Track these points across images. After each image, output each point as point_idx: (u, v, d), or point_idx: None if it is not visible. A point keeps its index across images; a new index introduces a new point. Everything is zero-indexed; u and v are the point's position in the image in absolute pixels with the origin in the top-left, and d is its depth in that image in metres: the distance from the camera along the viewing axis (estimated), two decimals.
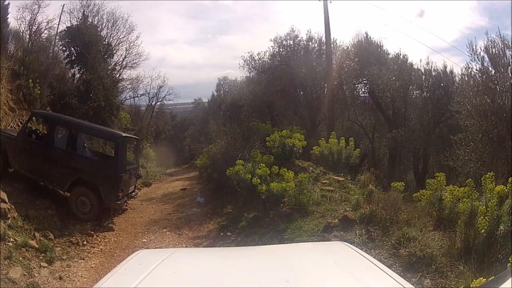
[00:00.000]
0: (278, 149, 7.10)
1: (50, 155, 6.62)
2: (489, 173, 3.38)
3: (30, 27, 9.96)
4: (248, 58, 11.86)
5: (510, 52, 5.94)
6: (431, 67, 9.06)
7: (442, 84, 8.82)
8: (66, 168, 6.56)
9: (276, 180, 5.78)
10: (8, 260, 4.31)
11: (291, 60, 10.99)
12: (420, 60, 9.45)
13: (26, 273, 4.29)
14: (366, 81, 10.18)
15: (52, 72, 9.47)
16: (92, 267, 4.94)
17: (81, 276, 4.63)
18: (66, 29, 11.39)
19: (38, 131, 7.23)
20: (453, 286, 2.92)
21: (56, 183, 6.78)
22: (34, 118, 7.61)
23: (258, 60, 11.79)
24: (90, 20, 12.31)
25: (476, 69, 6.40)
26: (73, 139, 6.96)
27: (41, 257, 4.72)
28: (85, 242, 5.64)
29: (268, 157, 6.82)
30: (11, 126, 7.70)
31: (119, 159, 6.72)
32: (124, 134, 7.38)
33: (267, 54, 11.58)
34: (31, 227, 5.32)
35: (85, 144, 7.78)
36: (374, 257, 2.06)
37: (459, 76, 7.91)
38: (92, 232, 6.07)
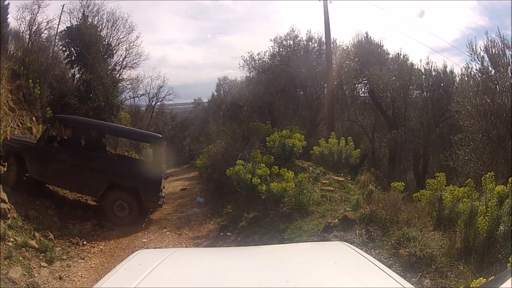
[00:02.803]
0: (278, 149, 7.10)
1: (79, 161, 6.34)
2: (489, 173, 3.38)
3: (30, 27, 9.96)
4: (248, 58, 11.86)
5: (510, 52, 5.95)
6: (431, 67, 9.07)
7: (442, 84, 8.82)
8: (99, 173, 6.31)
9: (276, 180, 5.78)
10: (8, 260, 4.31)
11: (291, 60, 10.98)
12: (420, 60, 9.46)
13: (26, 273, 4.29)
14: (366, 81, 10.17)
15: (52, 72, 9.47)
16: (92, 267, 4.94)
17: (81, 276, 4.63)
18: (66, 29, 11.40)
19: (59, 137, 6.97)
20: (453, 286, 2.92)
21: (87, 190, 6.59)
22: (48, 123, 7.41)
23: (258, 60, 11.79)
24: (90, 20, 12.31)
25: (476, 69, 6.41)
26: (102, 142, 6.85)
27: (41, 257, 4.72)
28: (85, 242, 5.63)
29: (268, 157, 6.82)
30: (11, 126, 7.69)
31: (159, 160, 6.65)
32: (161, 135, 7.29)
33: (267, 54, 11.59)
34: (31, 227, 5.31)
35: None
36: (374, 257, 2.06)
37: (459, 76, 7.92)
38: (92, 232, 6.07)
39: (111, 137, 8.54)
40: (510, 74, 5.86)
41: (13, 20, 9.72)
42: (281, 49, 11.40)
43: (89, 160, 6.44)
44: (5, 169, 6.56)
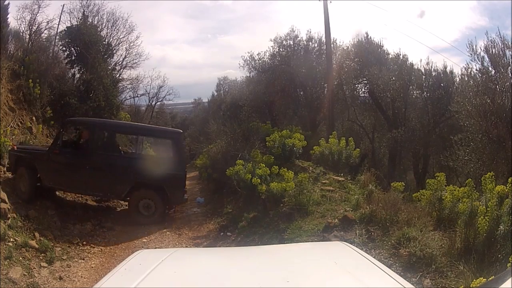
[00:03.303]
0: (278, 149, 7.10)
1: (100, 164, 6.22)
2: (489, 173, 3.38)
3: (30, 27, 9.96)
4: (248, 58, 11.87)
5: (510, 52, 5.94)
6: (431, 67, 9.06)
7: (442, 84, 8.81)
8: (122, 174, 6.21)
9: (276, 180, 5.78)
10: (8, 260, 4.31)
11: (291, 60, 10.98)
12: (420, 60, 9.44)
13: (26, 273, 4.29)
14: (366, 81, 10.17)
15: (52, 72, 9.47)
16: (92, 267, 4.94)
17: (81, 276, 4.63)
18: (66, 29, 11.38)
19: (71, 141, 6.80)
20: (453, 286, 2.92)
21: (110, 193, 6.50)
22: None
23: (258, 60, 11.80)
24: (90, 20, 12.29)
25: (476, 69, 6.41)
26: (117, 142, 6.77)
27: (41, 257, 4.72)
28: (85, 242, 5.63)
29: (268, 157, 6.82)
30: (11, 126, 7.68)
31: (181, 156, 6.61)
32: (181, 131, 7.27)
33: (267, 54, 11.59)
34: (31, 227, 5.32)
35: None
36: (374, 257, 2.06)
37: (459, 76, 7.93)
38: (92, 232, 6.07)
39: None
40: (510, 74, 5.86)
41: (13, 20, 9.72)
42: (281, 49, 11.40)
43: (110, 161, 6.31)
44: (12, 176, 6.34)
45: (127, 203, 7.81)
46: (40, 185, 6.27)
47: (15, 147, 6.53)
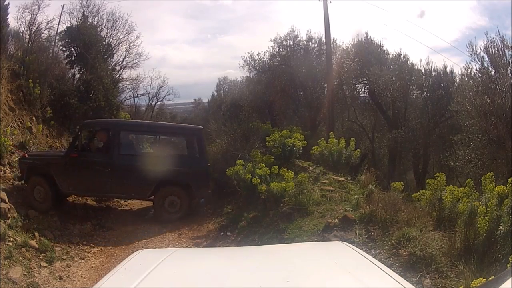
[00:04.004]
0: (278, 149, 7.10)
1: (122, 165, 6.16)
2: (489, 173, 3.38)
3: (30, 27, 9.94)
4: (248, 58, 11.85)
5: (510, 52, 5.94)
6: (431, 67, 9.05)
7: (442, 84, 8.81)
8: (146, 173, 6.10)
9: (276, 180, 5.78)
10: (8, 260, 4.31)
11: (291, 60, 10.97)
12: (420, 60, 9.43)
13: (26, 273, 4.29)
14: (366, 81, 10.17)
15: (52, 72, 9.46)
16: (92, 267, 4.94)
17: (81, 276, 4.63)
18: (66, 29, 11.37)
19: (89, 143, 6.67)
20: (453, 286, 2.92)
21: (134, 193, 6.48)
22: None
23: (258, 60, 11.78)
24: (90, 20, 12.28)
25: (476, 69, 6.41)
26: (137, 142, 6.76)
27: (41, 257, 4.72)
28: (85, 242, 5.63)
29: (268, 157, 6.82)
30: (11, 126, 7.68)
31: (204, 151, 6.69)
32: (202, 127, 7.34)
33: (267, 54, 11.57)
34: (31, 227, 5.32)
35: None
36: (374, 257, 2.06)
37: (459, 76, 7.90)
38: (92, 232, 6.06)
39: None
40: (510, 74, 5.86)
41: (13, 20, 9.70)
42: (281, 49, 11.39)
43: (134, 161, 6.24)
44: (22, 184, 6.18)
45: (127, 203, 7.85)
46: (58, 192, 6.16)
47: (25, 154, 6.35)
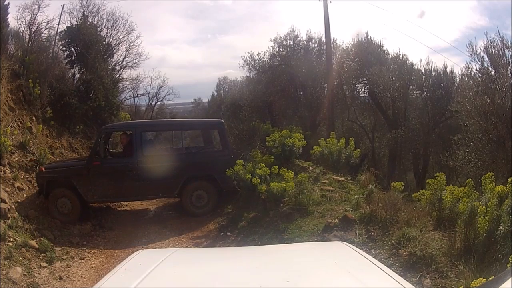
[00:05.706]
0: (278, 149, 7.09)
1: (148, 167, 6.12)
2: (489, 173, 3.38)
3: (30, 27, 9.92)
4: (248, 58, 11.83)
5: (510, 52, 5.95)
6: (431, 67, 9.06)
7: (442, 84, 8.81)
8: (172, 172, 6.10)
9: (276, 180, 5.78)
10: (8, 260, 4.31)
11: (291, 60, 10.96)
12: (420, 60, 9.45)
13: (26, 273, 4.29)
14: (366, 81, 10.17)
15: (52, 72, 9.44)
16: (92, 267, 4.95)
17: (81, 276, 4.63)
18: (66, 29, 11.35)
19: (110, 148, 6.67)
20: (453, 286, 2.92)
21: (162, 193, 6.51)
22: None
23: (258, 60, 11.77)
24: (90, 20, 12.26)
25: (476, 69, 6.41)
26: (159, 141, 6.78)
27: (41, 257, 4.72)
28: (85, 242, 5.64)
29: (268, 157, 6.82)
30: (11, 126, 7.66)
31: (227, 143, 6.76)
32: (222, 120, 7.39)
33: (267, 54, 11.55)
34: (31, 227, 5.32)
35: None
36: (374, 257, 2.06)
37: (459, 76, 7.93)
38: (92, 232, 6.06)
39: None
40: (510, 74, 5.86)
41: (13, 20, 9.68)
42: (281, 49, 11.39)
43: (159, 161, 6.19)
44: (41, 199, 6.08)
45: (127, 203, 7.84)
46: (83, 202, 6.14)
47: (42, 168, 6.22)
